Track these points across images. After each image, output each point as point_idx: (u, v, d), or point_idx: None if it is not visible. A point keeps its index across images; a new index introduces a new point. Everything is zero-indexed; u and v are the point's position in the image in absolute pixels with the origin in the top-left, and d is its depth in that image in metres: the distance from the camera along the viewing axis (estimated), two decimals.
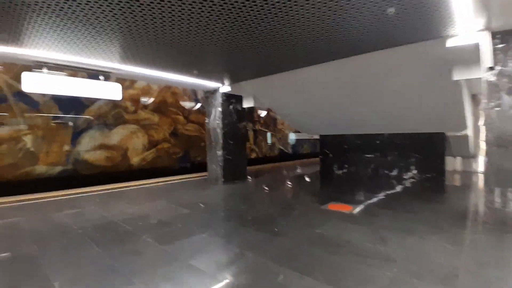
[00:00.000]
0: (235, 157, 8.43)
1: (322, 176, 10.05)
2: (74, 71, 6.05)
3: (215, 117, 8.21)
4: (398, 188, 7.02)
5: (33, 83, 5.49)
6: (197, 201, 5.89)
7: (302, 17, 3.64)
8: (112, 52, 5.20)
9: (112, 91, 6.44)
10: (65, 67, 5.86)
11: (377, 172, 9.08)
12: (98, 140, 10.35)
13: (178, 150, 12.67)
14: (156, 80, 6.98)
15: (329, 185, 8.06)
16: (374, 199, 5.75)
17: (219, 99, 8.09)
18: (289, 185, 8.03)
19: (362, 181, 8.38)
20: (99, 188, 7.86)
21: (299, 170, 11.59)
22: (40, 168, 9.10)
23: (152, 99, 11.77)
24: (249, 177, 9.15)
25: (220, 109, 8.05)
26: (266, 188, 7.52)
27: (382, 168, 8.94)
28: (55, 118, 9.51)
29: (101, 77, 6.34)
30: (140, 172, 11.39)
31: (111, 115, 10.72)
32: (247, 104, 8.56)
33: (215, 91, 8.20)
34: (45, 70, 5.66)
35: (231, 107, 8.34)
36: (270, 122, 17.43)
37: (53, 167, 9.39)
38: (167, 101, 12.42)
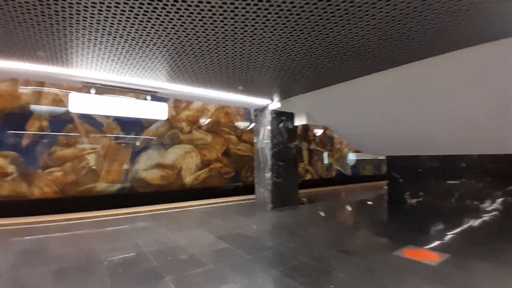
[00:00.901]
0: (285, 180, 7.42)
1: (391, 205, 8.37)
2: (121, 91, 5.88)
3: (263, 136, 7.40)
4: (495, 226, 5.17)
5: (80, 104, 5.40)
6: (238, 232, 5.02)
7: (373, 18, 2.70)
8: (159, 71, 4.84)
9: (158, 111, 6.11)
10: (112, 88, 5.70)
11: (463, 203, 7.11)
12: (155, 159, 10.33)
13: (229, 170, 12.14)
14: (201, 98, 6.52)
15: (401, 218, 6.47)
16: (466, 243, 4.15)
17: (268, 117, 7.28)
18: (349, 216, 6.68)
19: (443, 215, 6.58)
20: (148, 209, 7.54)
21: (361, 196, 9.99)
22: (101, 186, 9.27)
23: (209, 120, 11.57)
24: (301, 202, 7.99)
25: (269, 127, 7.22)
26: (321, 218, 6.31)
27: (470, 198, 6.97)
28: (117, 138, 9.71)
29: (148, 97, 6.07)
30: (192, 191, 11.05)
31: (168, 135, 10.69)
32: (299, 121, 7.58)
33: (264, 108, 7.44)
34: (92, 90, 5.57)
35: (281, 125, 7.45)
36: (327, 141, 16.02)
37: (113, 185, 9.50)
38: (220, 121, 12.10)
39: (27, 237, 4.80)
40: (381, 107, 5.95)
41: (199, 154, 11.39)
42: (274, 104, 7.10)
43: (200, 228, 5.38)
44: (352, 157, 17.67)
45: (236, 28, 3.14)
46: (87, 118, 9.13)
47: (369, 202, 8.84)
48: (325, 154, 15.93)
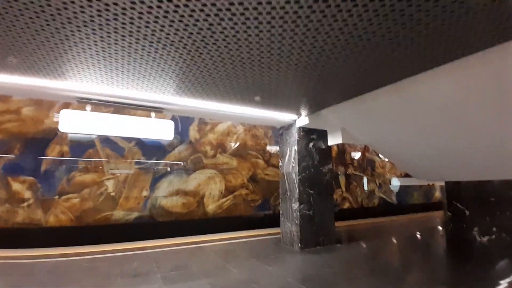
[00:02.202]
0: (318, 212, 5.83)
1: (455, 245, 6.28)
2: (121, 107, 4.98)
3: (290, 159, 5.99)
4: None
5: (72, 122, 4.54)
6: (253, 287, 3.55)
7: None
8: (166, 83, 3.88)
9: (163, 130, 5.09)
10: (111, 103, 4.81)
11: None
12: (176, 185, 9.30)
13: (256, 197, 10.71)
14: (215, 114, 5.38)
15: (474, 264, 4.50)
16: None
17: (294, 136, 5.91)
18: (404, 265, 4.86)
19: None
20: (156, 244, 6.35)
21: (413, 231, 7.89)
22: (118, 214, 8.36)
23: (237, 144, 10.50)
24: (338, 240, 6.24)
25: (296, 148, 5.82)
26: (367, 268, 4.59)
27: None
28: (138, 163, 8.91)
29: (152, 115, 5.10)
30: (215, 221, 9.74)
31: (191, 159, 9.70)
32: (333, 140, 6.08)
33: (290, 126, 6.10)
34: (88, 108, 4.72)
35: (311, 145, 6.01)
36: (367, 164, 13.99)
37: (130, 213, 8.56)
38: (247, 144, 10.91)
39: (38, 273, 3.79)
40: (446, 117, 4.29)
41: (224, 179, 10.19)
42: (302, 119, 5.74)
43: (205, 278, 3.99)
44: (396, 182, 15.26)
45: (261, 32, 2.47)
46: (109, 143, 8.49)
47: (425, 240, 6.79)
48: (365, 179, 13.85)
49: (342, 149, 13.14)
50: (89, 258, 5.11)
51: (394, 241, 6.66)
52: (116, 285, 3.77)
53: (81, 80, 3.98)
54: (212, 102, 4.83)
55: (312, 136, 6.06)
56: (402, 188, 15.38)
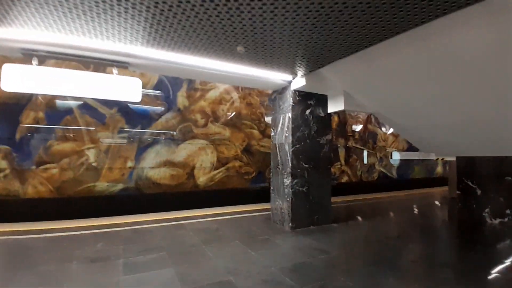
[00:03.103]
0: (313, 189, 5.06)
1: (461, 226, 5.59)
2: (76, 60, 4.01)
3: (283, 128, 5.11)
4: None
5: (16, 79, 3.61)
6: (226, 281, 2.84)
7: None
8: (132, 28, 2.90)
9: (127, 89, 4.15)
10: (62, 56, 3.84)
11: None
12: (164, 156, 8.53)
13: (251, 169, 9.99)
14: (192, 72, 4.39)
15: (482, 250, 3.78)
16: None
17: (289, 100, 4.97)
18: (406, 247, 4.16)
19: None
20: (134, 220, 5.70)
21: (416, 209, 7.20)
22: (101, 185, 7.69)
23: (232, 113, 9.57)
24: (334, 219, 5.53)
25: (290, 115, 4.91)
26: (366, 252, 3.89)
27: None
28: (120, 132, 8.07)
29: (114, 70, 4.13)
30: (206, 193, 9.10)
31: (179, 128, 8.83)
32: (334, 107, 5.14)
33: (284, 89, 5.14)
34: (34, 61, 3.76)
35: (308, 112, 5.09)
36: (368, 137, 13.13)
37: (115, 185, 7.88)
38: (241, 113, 9.98)
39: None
40: (472, 79, 3.33)
41: (215, 150, 9.40)
42: (298, 81, 4.76)
43: (175, 266, 3.29)
44: (396, 156, 14.49)
45: None
46: (88, 109, 7.59)
47: (429, 220, 6.11)
48: (365, 153, 13.06)
49: (343, 120, 12.22)
50: (54, 236, 4.44)
51: (396, 220, 5.96)
52: (67, 271, 3.09)
53: (26, 26, 3.02)
54: (186, 55, 3.86)
55: (310, 101, 5.11)
56: (403, 162, 14.64)
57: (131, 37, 3.30)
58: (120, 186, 7.91)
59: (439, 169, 16.20)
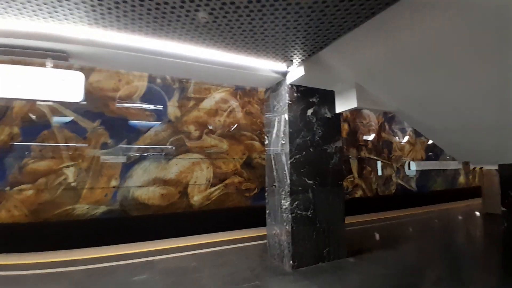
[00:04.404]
0: (320, 212, 3.74)
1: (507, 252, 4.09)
2: None
3: (278, 134, 3.87)
4: None
5: None
6: None
7: None
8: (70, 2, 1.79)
9: (67, 86, 3.05)
10: None
11: None
12: (153, 173, 7.38)
13: (252, 185, 8.68)
14: (158, 64, 3.26)
15: None
16: None
17: (285, 98, 3.76)
18: None
19: None
20: (95, 256, 4.50)
21: (449, 230, 5.69)
22: (81, 208, 6.58)
23: (235, 125, 8.47)
24: (352, 252, 4.12)
25: (286, 116, 3.69)
26: None
27: None
28: (104, 147, 7.03)
29: (48, 63, 3.06)
30: (202, 214, 7.83)
31: (170, 142, 7.71)
32: (343, 105, 3.89)
33: (278, 84, 3.95)
34: None
35: (310, 112, 3.85)
36: (383, 146, 11.67)
37: (96, 207, 6.76)
38: (240, 123, 8.81)
39: None
40: None
41: (212, 165, 8.20)
42: (295, 72, 3.56)
43: None
44: (413, 167, 12.85)
45: None
46: (67, 123, 6.61)
47: (472, 246, 4.62)
48: (379, 164, 11.56)
49: (354, 129, 10.88)
50: None
51: (429, 249, 4.50)
52: None
53: None
54: (147, 37, 2.76)
55: (312, 99, 3.88)
56: (423, 173, 13.01)
57: (68, 13, 2.22)
58: (102, 208, 6.76)
59: (462, 179, 14.44)
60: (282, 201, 3.69)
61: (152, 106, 7.52)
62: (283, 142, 3.72)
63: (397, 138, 12.28)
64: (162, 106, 7.65)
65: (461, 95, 3.13)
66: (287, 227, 3.58)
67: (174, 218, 7.32)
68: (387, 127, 11.97)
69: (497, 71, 2.57)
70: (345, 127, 10.61)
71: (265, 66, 3.45)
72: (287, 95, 3.70)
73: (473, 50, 2.45)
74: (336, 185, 3.92)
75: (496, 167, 5.19)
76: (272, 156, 4.00)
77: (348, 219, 4.90)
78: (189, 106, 8.00)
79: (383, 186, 11.61)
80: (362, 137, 11.23)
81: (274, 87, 4.03)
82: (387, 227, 6.11)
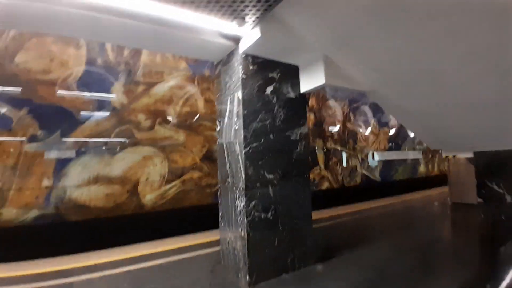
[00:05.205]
0: (284, 213, 3.01)
1: (489, 248, 3.76)
2: None
3: (231, 118, 3.05)
4: None
5: None
6: None
7: None
8: None
9: None
10: None
11: None
12: (94, 170, 6.15)
13: (214, 181, 7.78)
14: (56, 23, 2.24)
15: None
16: None
17: (238, 71, 2.94)
18: None
19: None
20: (15, 273, 3.38)
21: (419, 225, 5.37)
22: (9, 212, 5.27)
23: (197, 116, 7.44)
24: (321, 256, 3.46)
25: (239, 94, 2.87)
26: None
27: None
28: (32, 139, 5.71)
29: None
30: (155, 216, 6.77)
31: (115, 133, 6.50)
32: (309, 83, 3.16)
33: (230, 55, 3.10)
34: None
35: (269, 90, 3.07)
36: (348, 137, 11.43)
37: (27, 211, 5.47)
38: (198, 112, 7.82)
39: None
40: None
41: (166, 160, 7.14)
42: (250, 36, 2.74)
43: None
44: (375, 157, 12.86)
45: None
46: None
47: (447, 243, 4.27)
48: (344, 155, 11.30)
49: (320, 119, 10.45)
50: None
51: (405, 247, 4.03)
52: None
53: None
54: None
55: (272, 74, 3.10)
56: (386, 163, 13.10)
57: None
58: (34, 212, 5.51)
59: (422, 168, 14.90)
60: (237, 201, 2.89)
61: (92, 92, 6.29)
62: (236, 127, 2.90)
63: (361, 129, 12.17)
64: (104, 92, 6.43)
65: (451, 65, 2.57)
66: (242, 234, 2.80)
67: (121, 222, 6.23)
68: (352, 117, 11.78)
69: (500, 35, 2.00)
70: (311, 117, 10.14)
71: (210, 26, 2.58)
72: (241, 67, 2.88)
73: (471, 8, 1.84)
74: (301, 178, 3.21)
75: (471, 155, 4.92)
76: (224, 145, 3.17)
77: (315, 214, 4.27)
78: (137, 92, 6.85)
79: (349, 177, 11.41)
80: (328, 127, 10.87)
81: (226, 59, 3.18)
82: (356, 222, 5.65)
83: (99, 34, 2.63)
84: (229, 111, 3.06)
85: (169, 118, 7.10)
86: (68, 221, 5.72)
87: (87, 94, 6.13)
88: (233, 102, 2.97)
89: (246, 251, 2.75)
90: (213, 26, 2.58)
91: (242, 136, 2.81)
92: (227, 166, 3.09)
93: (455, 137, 4.03)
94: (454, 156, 5.99)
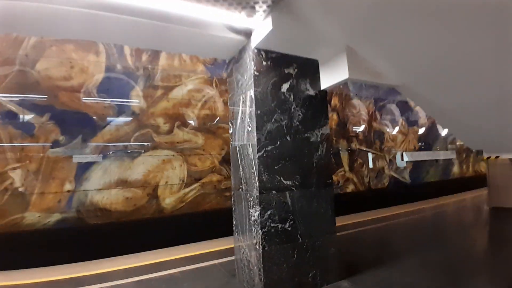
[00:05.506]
0: (303, 224, 2.68)
1: None
2: None
3: (243, 119, 2.78)
4: None
5: None
6: None
7: None
8: None
9: None
10: None
11: None
12: (115, 174, 6.21)
13: None
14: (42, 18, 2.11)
15: None
16: None
17: (250, 68, 2.66)
18: None
19: None
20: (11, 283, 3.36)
21: (458, 232, 4.77)
22: (31, 216, 5.45)
23: (217, 119, 7.33)
24: (346, 271, 3.07)
25: (252, 93, 2.60)
26: None
27: None
28: (54, 146, 5.86)
29: None
30: (175, 220, 6.69)
31: (135, 137, 6.52)
32: (331, 78, 2.82)
33: (242, 51, 2.84)
34: None
35: (285, 88, 2.77)
36: (374, 137, 10.77)
37: (49, 215, 5.61)
38: (217, 114, 7.67)
39: None
40: None
41: (185, 163, 7.07)
42: (262, 28, 2.46)
43: None
44: (404, 157, 11.99)
45: None
46: (11, 118, 5.49)
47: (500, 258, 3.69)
48: (370, 156, 10.64)
49: (343, 118, 9.92)
50: None
51: (449, 260, 3.52)
52: None
53: None
54: None
55: (288, 69, 2.79)
56: (416, 164, 12.21)
57: None
58: (56, 216, 5.63)
59: (456, 169, 13.75)
60: (251, 210, 2.61)
61: (111, 97, 6.35)
62: (249, 128, 2.63)
63: (388, 128, 11.45)
64: (123, 97, 6.47)
65: (484, 57, 2.12)
66: (257, 246, 2.51)
67: (140, 226, 6.21)
68: (378, 116, 11.12)
69: None
70: (334, 117, 9.66)
71: (216, 18, 2.33)
72: (253, 63, 2.60)
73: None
74: (323, 185, 2.86)
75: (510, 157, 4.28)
76: (237, 149, 2.91)
77: (339, 221, 3.88)
78: (156, 96, 6.83)
79: (376, 179, 10.74)
80: (352, 127, 10.30)
81: (238, 56, 2.92)
82: (384, 230, 5.15)
83: (99, 33, 2.49)
84: (242, 112, 2.80)
85: (188, 121, 7.01)
86: (90, 225, 5.78)
87: (107, 99, 6.17)
88: (246, 102, 2.70)
89: (261, 265, 2.46)
90: (220, 18, 2.33)
91: (255, 139, 2.53)
92: (240, 171, 2.82)
93: (499, 136, 3.47)
94: (497, 157, 5.28)
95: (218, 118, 7.39)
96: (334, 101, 9.84)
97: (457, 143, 13.74)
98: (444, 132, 13.08)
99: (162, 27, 2.30)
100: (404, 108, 11.81)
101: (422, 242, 4.34)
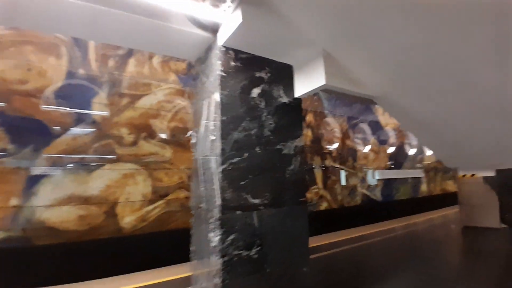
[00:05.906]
0: (272, 250, 2.26)
1: None
2: None
3: (207, 126, 2.37)
4: None
5: None
6: None
7: None
8: None
9: None
10: None
11: None
12: (68, 189, 5.40)
13: None
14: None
15: None
16: None
17: (216, 68, 2.29)
18: None
19: None
20: None
21: (443, 259, 4.57)
22: None
23: (190, 132, 6.73)
24: None
25: (217, 97, 2.22)
26: None
27: None
28: (2, 155, 5.04)
29: None
30: (134, 241, 5.91)
31: (94, 148, 5.79)
32: (306, 85, 2.52)
33: (208, 50, 2.47)
34: None
35: (256, 92, 2.42)
36: (347, 154, 10.77)
37: None
38: (188, 127, 7.13)
39: None
40: None
41: (150, 178, 6.38)
42: (230, 23, 2.13)
43: None
44: (375, 175, 12.10)
45: None
46: None
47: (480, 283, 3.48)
48: (343, 173, 10.57)
49: (317, 135, 9.83)
50: None
51: (435, 284, 3.22)
52: None
53: None
54: None
55: (260, 73, 2.47)
56: (387, 182, 12.38)
57: None
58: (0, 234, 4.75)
59: (424, 187, 14.18)
60: (210, 234, 2.15)
61: (71, 104, 5.69)
62: (213, 137, 2.22)
63: (360, 146, 11.59)
64: (85, 104, 5.82)
65: (472, 65, 1.95)
66: (216, 278, 2.04)
67: (95, 247, 5.40)
68: (351, 134, 11.23)
69: None
70: (309, 133, 9.55)
71: (178, 7, 1.96)
72: (219, 63, 2.25)
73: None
74: (296, 203, 2.49)
75: (493, 173, 4.20)
76: (199, 161, 2.47)
77: (313, 241, 3.48)
78: (121, 105, 6.22)
79: (349, 196, 10.63)
80: (326, 144, 10.23)
81: (204, 55, 2.55)
82: (361, 251, 4.85)
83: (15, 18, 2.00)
84: (206, 118, 2.40)
85: (157, 133, 6.45)
86: (36, 246, 4.95)
87: (65, 106, 5.52)
88: (210, 107, 2.31)
89: None
90: (181, 7, 1.96)
91: (219, 149, 2.12)
92: (202, 187, 2.37)
93: (475, 153, 3.36)
94: (472, 175, 5.26)
95: (191, 131, 6.90)
96: (309, 117, 9.76)
97: (424, 162, 14.25)
98: (412, 151, 13.50)
99: (105, 13, 1.89)
100: (376, 127, 12.09)
101: (406, 263, 4.08)
